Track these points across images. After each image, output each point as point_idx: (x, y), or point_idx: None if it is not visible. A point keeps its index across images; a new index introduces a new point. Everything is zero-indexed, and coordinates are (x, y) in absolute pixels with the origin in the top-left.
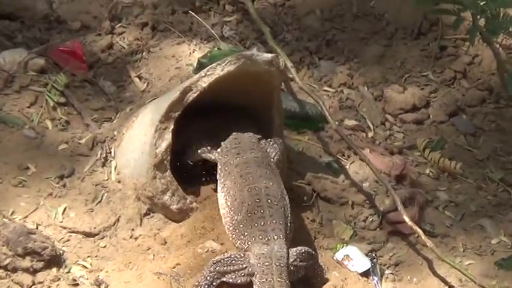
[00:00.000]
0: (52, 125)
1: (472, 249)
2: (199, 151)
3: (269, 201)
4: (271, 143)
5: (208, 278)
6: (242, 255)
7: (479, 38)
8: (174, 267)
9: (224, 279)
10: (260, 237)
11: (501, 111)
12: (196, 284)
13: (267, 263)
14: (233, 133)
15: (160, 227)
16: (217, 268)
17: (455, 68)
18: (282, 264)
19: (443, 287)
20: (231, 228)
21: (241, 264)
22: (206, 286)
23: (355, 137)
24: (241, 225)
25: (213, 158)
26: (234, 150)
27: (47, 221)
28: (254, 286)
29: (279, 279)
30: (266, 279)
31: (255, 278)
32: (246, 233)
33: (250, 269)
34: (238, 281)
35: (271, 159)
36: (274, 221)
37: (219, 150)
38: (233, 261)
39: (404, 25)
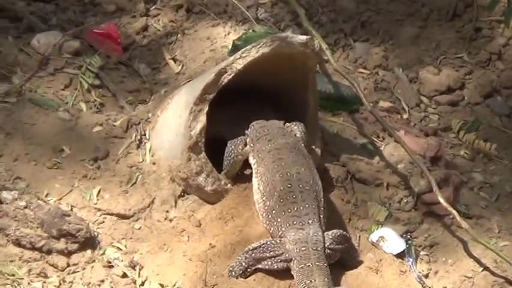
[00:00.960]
0: (86, 107)
1: (507, 231)
2: (232, 155)
3: (300, 186)
4: (293, 125)
5: (244, 264)
6: (278, 241)
7: None
8: (208, 250)
9: (260, 266)
10: (294, 222)
11: None
12: (230, 269)
13: (303, 248)
14: (257, 121)
15: (195, 209)
16: (253, 255)
17: (490, 50)
18: (319, 249)
19: (478, 268)
20: (264, 214)
21: (278, 251)
22: (240, 272)
23: (390, 119)
24: (274, 211)
25: (242, 154)
26: (266, 137)
27: (82, 202)
28: (292, 272)
29: (317, 263)
30: (305, 264)
31: (293, 264)
32: (279, 219)
33: (287, 255)
34: (275, 267)
35: (302, 144)
36: (307, 206)
37: (248, 139)
38: (269, 248)
39: (439, 7)
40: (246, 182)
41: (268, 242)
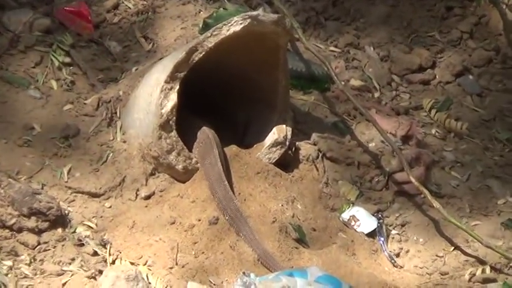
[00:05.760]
0: (57, 85)
1: (478, 210)
2: None
3: None
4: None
5: None
6: None
7: None
8: (178, 229)
9: None
10: None
11: (508, 71)
12: None
13: None
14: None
15: (166, 187)
16: None
17: (461, 29)
18: None
19: (449, 248)
20: None
21: None
22: None
23: (361, 98)
24: None
25: None
26: None
27: (52, 181)
28: None
29: None
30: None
31: None
32: None
33: None
34: None
35: None
36: None
37: None
38: None
39: None
40: None
41: None
